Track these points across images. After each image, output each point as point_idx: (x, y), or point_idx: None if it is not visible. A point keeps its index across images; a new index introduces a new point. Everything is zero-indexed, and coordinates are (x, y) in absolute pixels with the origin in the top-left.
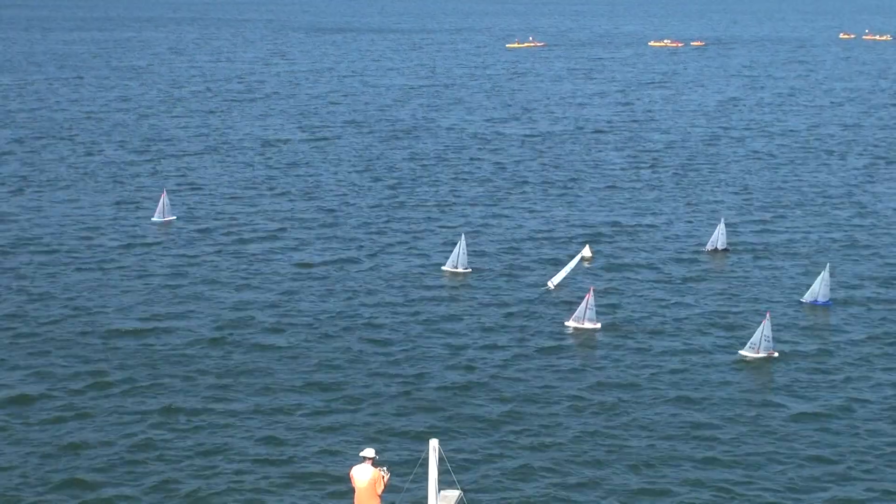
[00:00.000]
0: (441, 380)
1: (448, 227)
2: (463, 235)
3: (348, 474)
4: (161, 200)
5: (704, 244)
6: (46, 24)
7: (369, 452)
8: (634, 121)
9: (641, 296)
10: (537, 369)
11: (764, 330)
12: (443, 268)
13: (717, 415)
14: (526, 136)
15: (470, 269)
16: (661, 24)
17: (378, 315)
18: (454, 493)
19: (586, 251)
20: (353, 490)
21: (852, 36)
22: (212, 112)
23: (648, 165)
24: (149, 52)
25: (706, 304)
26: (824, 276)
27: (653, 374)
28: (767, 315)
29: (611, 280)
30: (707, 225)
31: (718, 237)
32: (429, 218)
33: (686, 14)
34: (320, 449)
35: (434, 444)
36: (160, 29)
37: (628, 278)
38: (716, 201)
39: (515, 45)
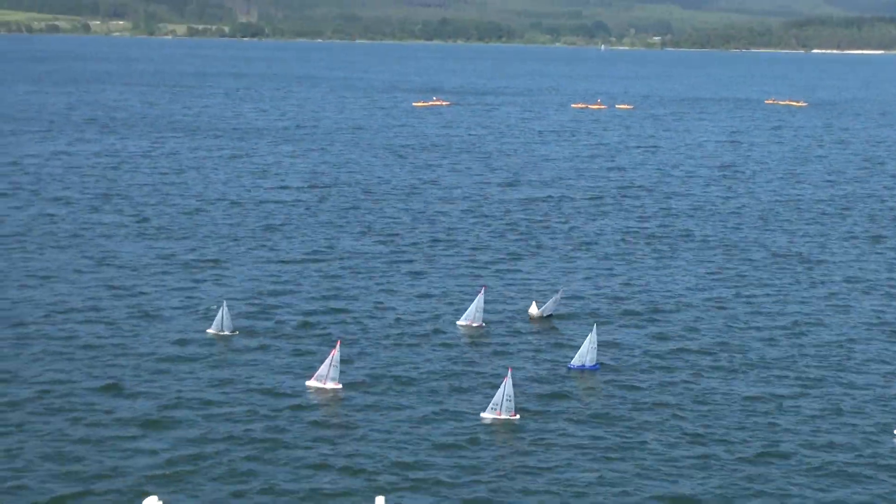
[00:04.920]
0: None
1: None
2: (224, 302)
3: None
4: None
5: (462, 317)
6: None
7: (153, 501)
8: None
9: (389, 359)
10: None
11: (505, 390)
12: (208, 331)
13: (451, 473)
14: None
15: (237, 332)
16: (589, 85)
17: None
18: None
19: (533, 309)
20: None
21: (775, 101)
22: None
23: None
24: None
25: (455, 369)
26: (591, 338)
27: (394, 434)
28: (508, 374)
29: (367, 341)
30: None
31: (475, 312)
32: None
33: (621, 77)
34: None
35: (380, 501)
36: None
37: (380, 342)
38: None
39: (421, 105)
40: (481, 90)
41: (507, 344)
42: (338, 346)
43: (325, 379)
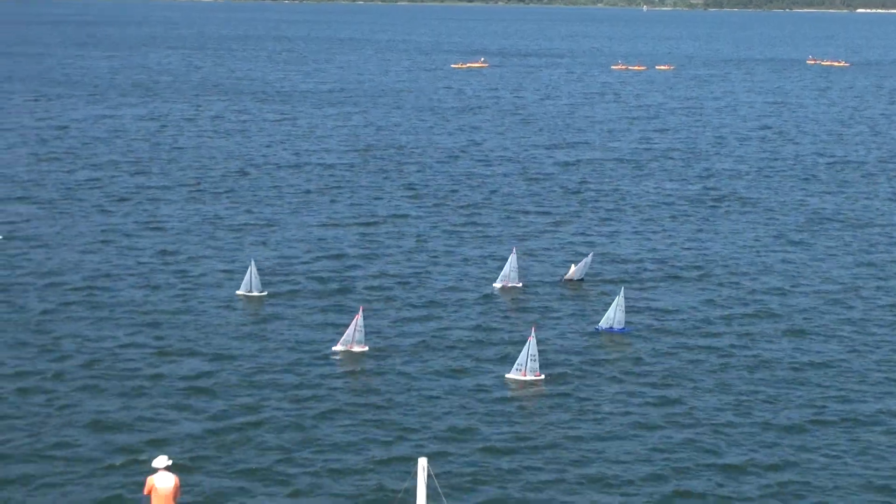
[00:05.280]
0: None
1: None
2: (252, 261)
3: (147, 487)
4: None
5: (497, 278)
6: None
7: (163, 461)
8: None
9: (419, 322)
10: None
11: (529, 349)
12: (236, 292)
13: (485, 433)
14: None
15: (266, 293)
16: (628, 46)
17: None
18: None
19: (571, 270)
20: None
21: (816, 61)
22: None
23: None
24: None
25: (490, 329)
26: (619, 301)
27: (427, 396)
28: (532, 332)
29: (389, 305)
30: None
31: (509, 272)
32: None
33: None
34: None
35: (423, 463)
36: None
37: (414, 304)
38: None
39: (460, 66)
40: (524, 52)
41: (540, 305)
42: (361, 310)
43: (351, 343)
